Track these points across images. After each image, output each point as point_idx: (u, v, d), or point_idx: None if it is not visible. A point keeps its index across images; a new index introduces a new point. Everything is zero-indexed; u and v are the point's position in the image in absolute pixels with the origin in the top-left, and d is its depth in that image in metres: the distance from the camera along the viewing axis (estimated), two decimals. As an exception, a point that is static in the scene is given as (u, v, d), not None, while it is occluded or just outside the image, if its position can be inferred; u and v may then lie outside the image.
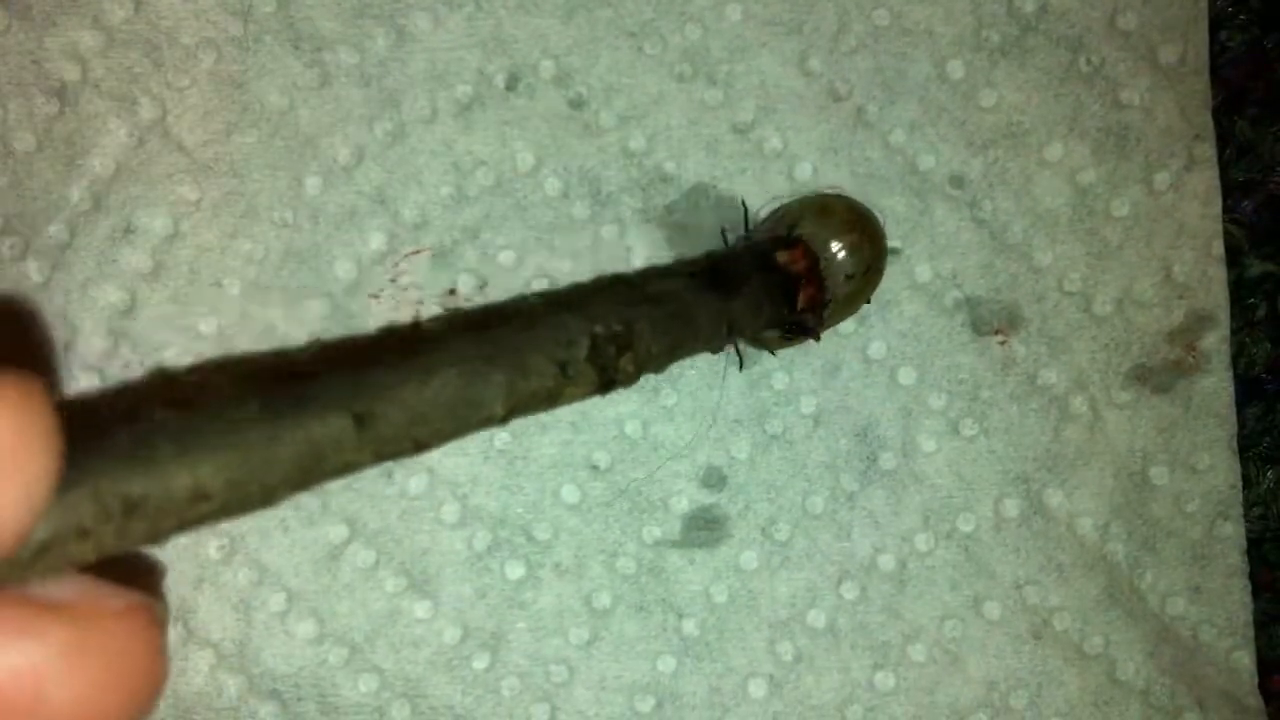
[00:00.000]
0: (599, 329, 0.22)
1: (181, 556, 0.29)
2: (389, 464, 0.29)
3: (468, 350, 0.20)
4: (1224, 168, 0.30)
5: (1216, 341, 0.30)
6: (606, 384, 0.22)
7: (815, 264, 0.27)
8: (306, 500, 0.29)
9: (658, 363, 0.24)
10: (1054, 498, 0.30)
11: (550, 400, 0.22)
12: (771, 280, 0.26)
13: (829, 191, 0.29)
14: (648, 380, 0.29)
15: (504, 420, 0.21)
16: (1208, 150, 0.30)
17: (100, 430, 0.15)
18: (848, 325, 0.30)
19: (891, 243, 0.30)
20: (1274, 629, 0.30)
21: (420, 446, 0.20)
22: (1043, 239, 0.30)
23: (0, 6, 0.28)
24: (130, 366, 0.28)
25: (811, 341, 0.28)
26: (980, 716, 0.30)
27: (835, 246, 0.27)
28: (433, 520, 0.29)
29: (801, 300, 0.27)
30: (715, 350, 0.26)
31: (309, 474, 0.18)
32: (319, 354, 0.19)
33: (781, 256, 0.27)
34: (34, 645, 0.13)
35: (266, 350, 0.29)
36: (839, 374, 0.30)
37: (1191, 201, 0.30)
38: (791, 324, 0.27)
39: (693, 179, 0.30)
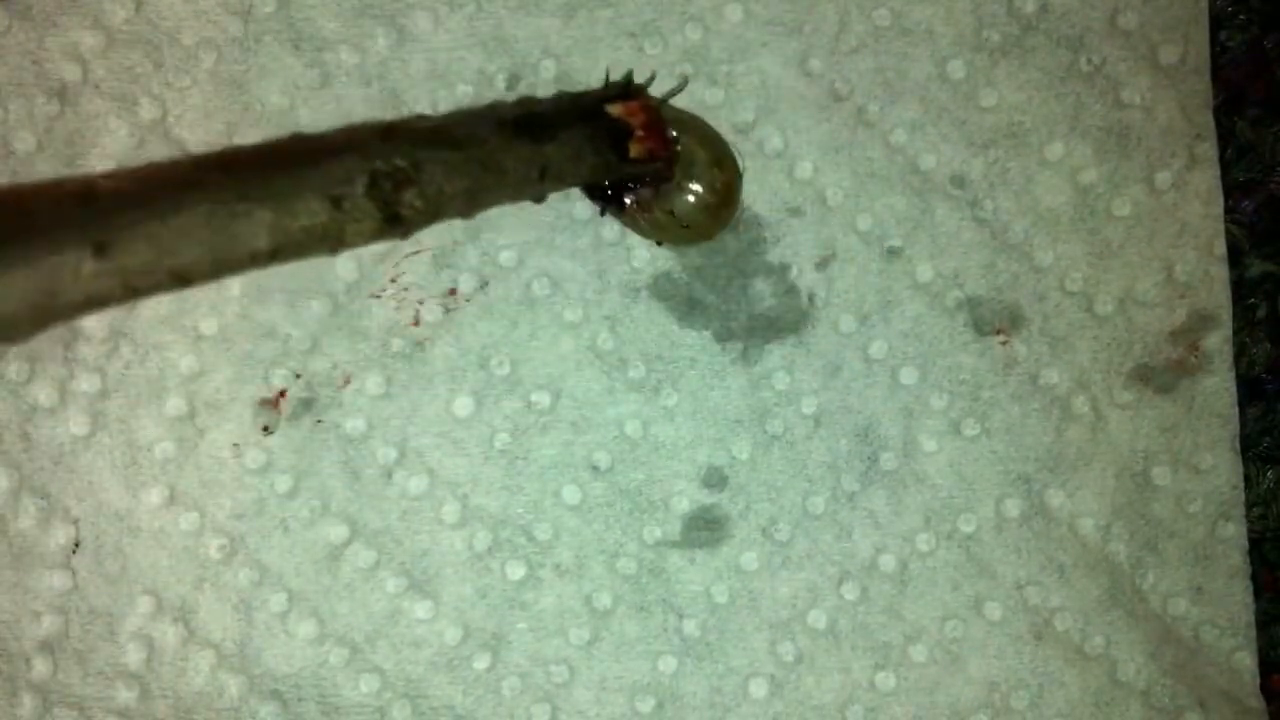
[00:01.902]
0: (379, 164, 0.22)
1: (181, 557, 0.29)
2: (389, 464, 0.29)
3: (223, 186, 0.21)
4: (1224, 168, 0.30)
5: (1218, 341, 0.30)
6: (392, 220, 0.22)
7: (656, 119, 0.27)
8: (307, 501, 0.29)
9: (457, 205, 0.24)
10: (1055, 498, 0.30)
11: (332, 239, 0.22)
12: (597, 129, 0.26)
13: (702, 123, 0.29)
14: (648, 380, 0.29)
15: (274, 258, 0.21)
16: (1209, 150, 0.30)
17: None
18: (849, 325, 0.30)
19: (893, 242, 0.30)
20: (1275, 629, 0.30)
21: (180, 279, 0.20)
22: (1044, 239, 0.30)
23: (0, 7, 0.28)
24: (131, 366, 0.28)
25: (809, 340, 0.28)
26: (981, 717, 0.30)
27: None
28: (433, 520, 0.29)
29: (636, 151, 0.26)
30: (537, 199, 0.26)
31: (50, 302, 0.18)
32: (54, 189, 0.20)
33: (614, 109, 0.27)
34: None
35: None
36: (840, 374, 0.30)
37: (1193, 201, 0.30)
38: (632, 178, 0.27)
39: (693, 179, 0.30)
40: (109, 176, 0.22)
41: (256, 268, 0.21)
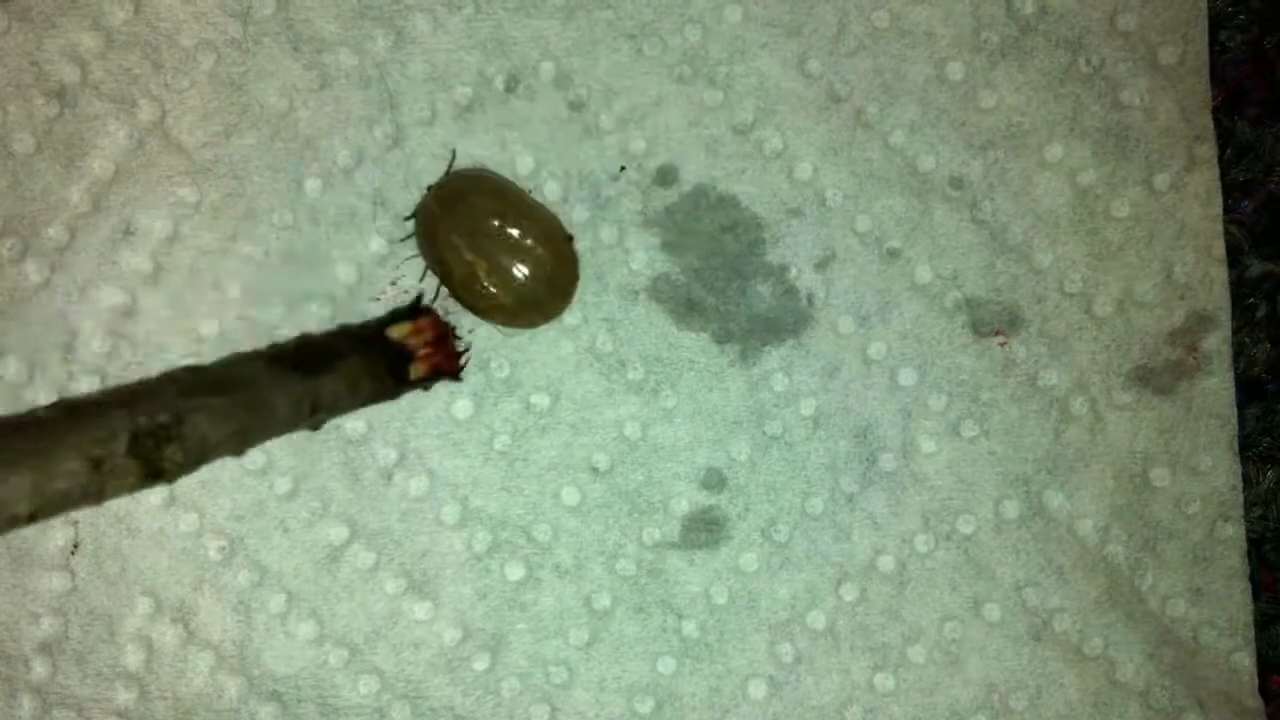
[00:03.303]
0: (142, 420, 0.23)
1: (181, 558, 0.29)
2: (388, 466, 0.29)
3: None
4: (1224, 168, 0.30)
5: (1218, 342, 0.30)
6: (154, 475, 0.23)
7: (443, 334, 0.28)
8: (306, 502, 0.29)
9: (223, 449, 0.25)
10: (1054, 499, 0.30)
11: (94, 496, 0.23)
12: (376, 356, 0.27)
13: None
14: (647, 381, 0.29)
15: (33, 519, 0.22)
16: (1208, 150, 0.30)
17: None
18: (848, 326, 0.30)
19: (892, 244, 0.30)
20: (1274, 630, 0.30)
21: None
22: (1043, 240, 0.30)
23: (0, 8, 0.28)
24: (130, 368, 0.28)
25: (808, 342, 0.28)
26: (980, 718, 0.30)
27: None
28: (433, 522, 0.29)
29: (418, 372, 0.27)
30: (312, 429, 0.27)
31: None
32: None
33: (397, 331, 0.27)
34: None
35: None
36: (839, 375, 0.30)
37: (1192, 202, 0.30)
38: (416, 383, 0.28)
39: (693, 181, 0.30)
40: None
41: (13, 529, 0.22)
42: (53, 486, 0.22)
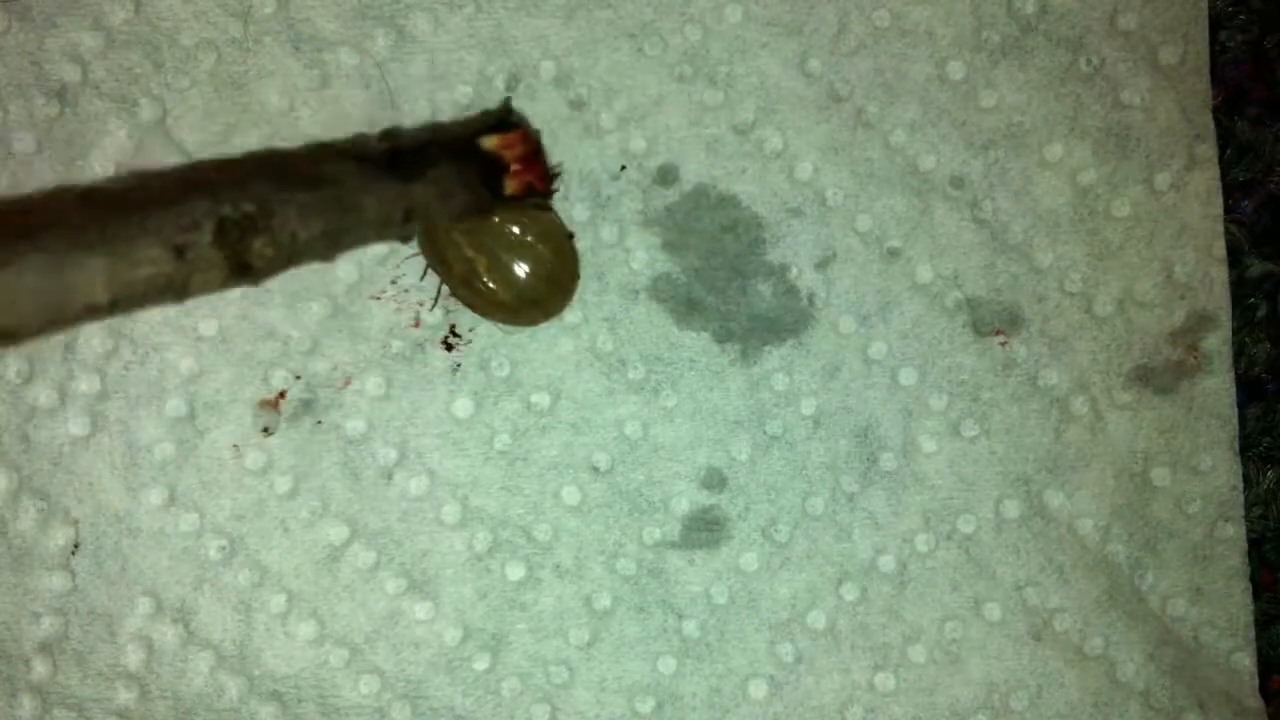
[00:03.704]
0: (227, 210, 0.21)
1: (181, 558, 0.29)
2: (389, 465, 0.29)
3: (59, 235, 0.20)
4: (1224, 168, 0.30)
5: (1218, 342, 0.30)
6: (241, 269, 0.21)
7: (535, 150, 0.26)
8: (307, 501, 0.29)
9: (314, 250, 0.23)
10: (1055, 499, 0.30)
11: (176, 289, 0.21)
12: (469, 165, 0.25)
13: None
14: (648, 381, 0.29)
15: (114, 309, 0.20)
16: (1208, 150, 0.30)
17: None
18: (848, 325, 0.30)
19: (892, 243, 0.30)
20: (1274, 630, 0.30)
21: (7, 337, 0.19)
22: (1043, 239, 0.30)
23: (0, 7, 0.28)
24: (131, 367, 0.28)
25: (809, 341, 0.28)
26: (980, 718, 0.30)
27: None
28: (433, 521, 0.29)
29: (512, 188, 0.26)
30: (404, 240, 0.25)
31: None
32: None
33: (489, 142, 0.26)
34: None
35: None
36: (839, 375, 0.30)
37: (1192, 202, 0.30)
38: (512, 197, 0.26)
39: (693, 180, 0.30)
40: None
41: (95, 319, 0.20)
42: (133, 274, 0.20)
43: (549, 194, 0.27)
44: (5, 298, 0.19)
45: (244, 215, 0.21)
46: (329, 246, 0.23)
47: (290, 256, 0.22)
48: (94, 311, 0.20)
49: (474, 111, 0.28)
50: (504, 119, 0.27)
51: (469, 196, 0.25)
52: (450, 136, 0.26)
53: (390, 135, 0.26)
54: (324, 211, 0.23)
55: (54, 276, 0.19)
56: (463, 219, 0.26)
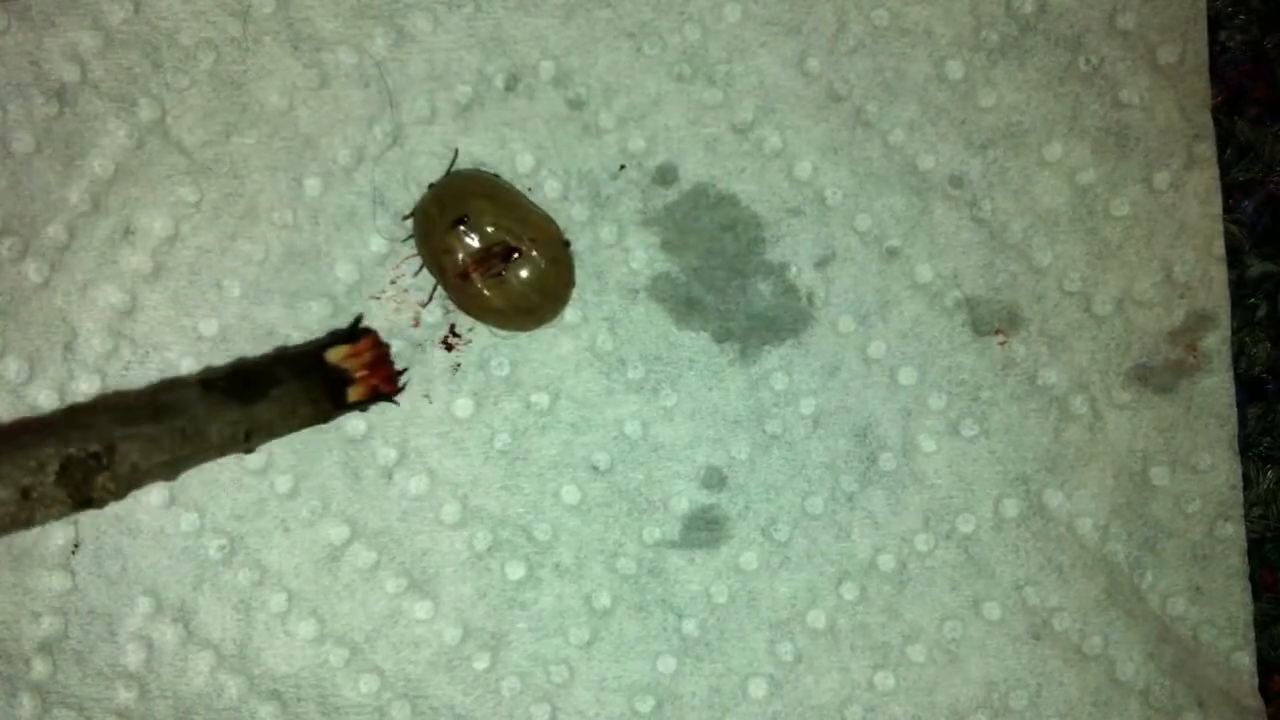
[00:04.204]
0: (73, 450, 0.23)
1: (181, 557, 0.29)
2: (389, 465, 0.29)
3: None
4: (1224, 168, 0.30)
5: (1217, 341, 0.30)
6: (83, 503, 0.24)
7: (382, 355, 0.28)
8: (307, 501, 0.29)
9: (154, 476, 0.25)
10: (1054, 498, 0.30)
11: (21, 522, 0.23)
12: (313, 380, 0.27)
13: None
14: (647, 380, 0.29)
15: None
16: (1208, 150, 0.30)
17: None
18: (847, 325, 0.30)
19: (891, 242, 0.30)
20: (1274, 629, 0.30)
21: None
22: (1042, 239, 0.30)
23: (0, 7, 0.28)
24: (130, 368, 0.28)
25: (808, 341, 0.28)
26: (980, 717, 0.30)
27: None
28: (433, 521, 0.29)
29: (356, 394, 0.27)
30: (246, 452, 0.27)
31: None
32: None
33: (335, 354, 0.27)
34: None
35: None
36: (839, 374, 0.30)
37: (1192, 201, 0.30)
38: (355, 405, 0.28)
39: (692, 179, 0.30)
40: None
41: None
42: None
43: (393, 395, 0.28)
44: None
45: (89, 455, 0.24)
46: (170, 470, 0.25)
47: (130, 486, 0.24)
48: None
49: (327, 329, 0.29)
50: (353, 330, 0.28)
51: (311, 410, 0.27)
52: (296, 354, 0.28)
53: (237, 362, 0.28)
54: (168, 442, 0.25)
55: None
56: (301, 429, 0.27)
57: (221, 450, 0.26)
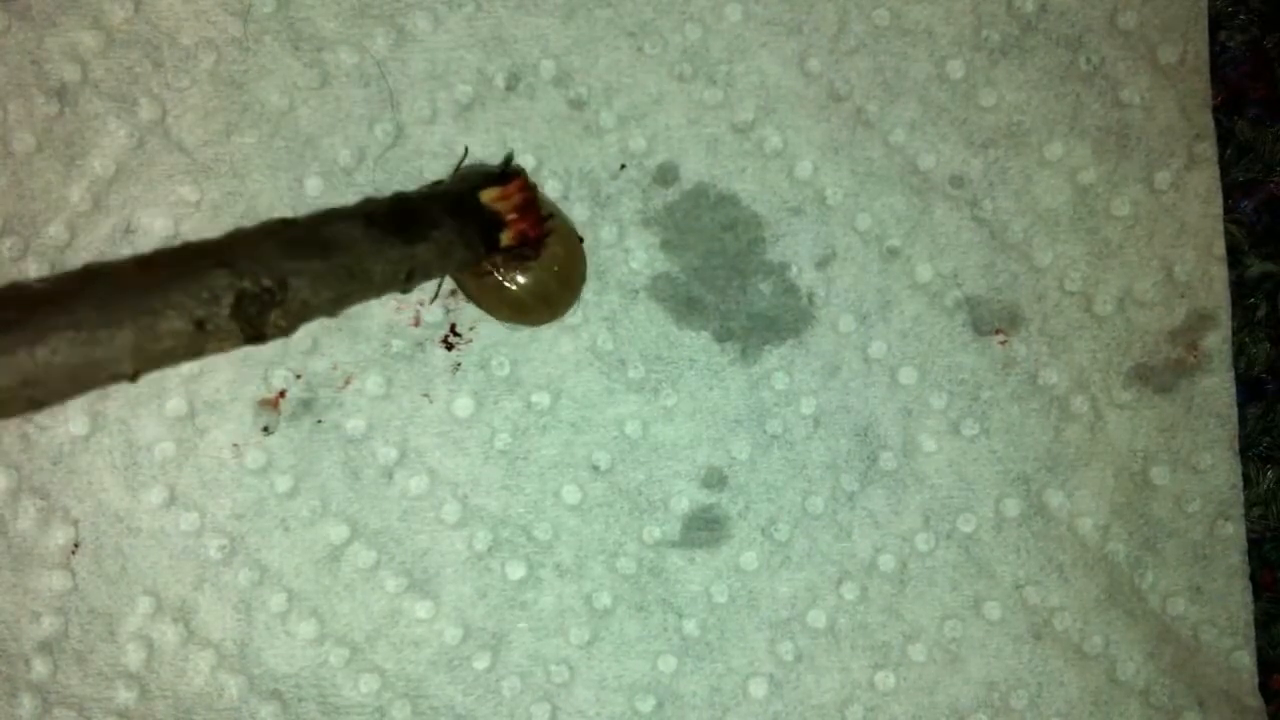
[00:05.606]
0: (247, 284, 0.23)
1: (181, 557, 0.29)
2: (389, 464, 0.29)
3: (87, 313, 0.21)
4: (1224, 168, 0.30)
5: (1218, 341, 0.30)
6: (255, 338, 0.23)
7: (531, 200, 0.27)
8: (307, 501, 0.29)
9: (319, 312, 0.24)
10: (1054, 498, 0.30)
11: (192, 354, 0.22)
12: (468, 221, 0.26)
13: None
14: (648, 380, 0.29)
15: (135, 377, 0.22)
16: (1208, 149, 0.30)
17: None
18: (848, 324, 0.30)
19: (892, 242, 0.30)
20: (1274, 629, 0.30)
21: (36, 404, 0.21)
22: (1043, 238, 0.30)
23: (0, 7, 0.28)
24: (130, 367, 0.28)
25: (809, 340, 0.28)
26: (980, 716, 0.30)
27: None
28: (433, 520, 0.29)
29: (508, 239, 0.26)
30: (403, 292, 0.26)
31: None
32: None
33: (489, 195, 0.26)
34: None
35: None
36: (839, 374, 0.30)
37: (1192, 201, 0.30)
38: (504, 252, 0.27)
39: (693, 179, 0.30)
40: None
41: (114, 383, 0.22)
42: (157, 346, 0.22)
43: (543, 238, 0.27)
44: (38, 373, 0.20)
45: (262, 289, 0.23)
46: (334, 307, 0.24)
47: (299, 322, 0.24)
48: (117, 379, 0.21)
49: (473, 163, 0.29)
50: (504, 170, 0.28)
51: (466, 252, 0.26)
52: (452, 194, 0.27)
53: (398, 197, 0.28)
54: (334, 279, 0.24)
55: (84, 351, 0.21)
56: (455, 271, 0.27)
57: (381, 290, 0.25)
